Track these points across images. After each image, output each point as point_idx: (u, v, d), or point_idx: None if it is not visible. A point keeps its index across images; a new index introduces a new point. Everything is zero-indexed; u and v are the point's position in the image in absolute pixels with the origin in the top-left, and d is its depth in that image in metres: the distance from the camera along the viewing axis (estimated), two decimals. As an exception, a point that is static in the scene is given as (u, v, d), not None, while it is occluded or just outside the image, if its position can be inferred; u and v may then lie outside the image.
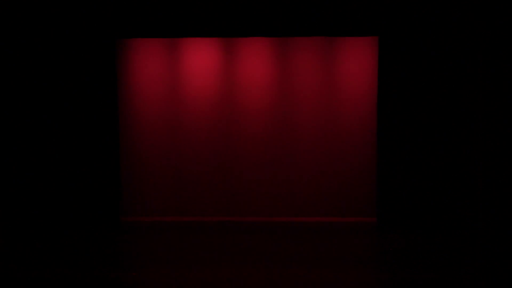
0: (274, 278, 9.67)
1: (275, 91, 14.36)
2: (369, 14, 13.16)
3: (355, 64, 14.14)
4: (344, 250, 11.72)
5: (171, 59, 14.48)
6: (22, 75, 13.72)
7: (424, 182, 13.48)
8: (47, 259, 10.98)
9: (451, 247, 11.67)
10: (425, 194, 13.48)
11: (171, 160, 14.59)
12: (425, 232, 12.98)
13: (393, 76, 13.47)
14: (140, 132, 14.61)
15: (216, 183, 14.49)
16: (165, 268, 10.37)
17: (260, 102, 14.40)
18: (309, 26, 13.45)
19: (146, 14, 13.37)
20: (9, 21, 13.13)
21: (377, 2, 12.86)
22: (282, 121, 14.39)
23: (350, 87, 14.19)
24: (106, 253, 11.55)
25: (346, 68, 14.19)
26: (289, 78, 14.29)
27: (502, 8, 9.03)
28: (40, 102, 13.89)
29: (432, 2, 12.63)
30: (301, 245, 12.15)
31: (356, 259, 10.97)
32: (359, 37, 13.91)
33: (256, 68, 14.35)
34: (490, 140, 9.18)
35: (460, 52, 13.05)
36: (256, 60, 14.33)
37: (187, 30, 13.63)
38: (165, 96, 14.53)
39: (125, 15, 13.44)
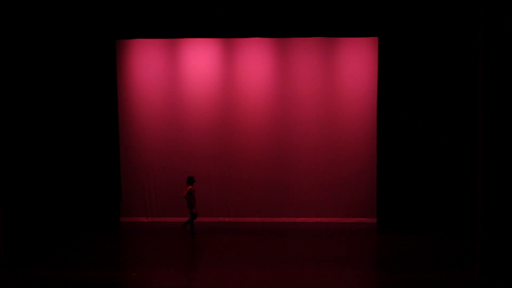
0: (275, 277, 9.65)
1: (276, 92, 14.33)
2: (369, 14, 13.17)
3: (355, 65, 14.13)
4: (345, 250, 11.70)
5: (171, 59, 14.46)
6: (22, 75, 13.72)
7: (423, 184, 13.47)
8: (48, 259, 10.96)
9: (450, 248, 11.67)
10: (425, 196, 13.47)
11: (170, 161, 14.56)
12: (424, 233, 12.97)
13: (393, 76, 13.47)
14: (139, 133, 14.58)
15: (216, 184, 14.46)
16: (165, 268, 10.35)
17: (260, 102, 14.36)
18: (309, 26, 13.46)
19: (146, 14, 13.37)
20: (9, 22, 13.14)
21: (377, 3, 12.86)
22: (283, 122, 14.36)
23: (350, 87, 14.16)
24: (106, 253, 11.53)
25: (346, 68, 14.17)
26: (289, 79, 14.27)
27: (501, 9, 9.03)
28: (40, 103, 13.90)
29: (432, 3, 12.64)
30: (302, 245, 12.12)
31: (356, 259, 10.95)
32: (359, 37, 13.91)
33: (256, 69, 14.32)
34: (490, 141, 9.16)
35: (460, 52, 13.06)
36: (256, 60, 14.30)
37: (187, 30, 13.65)
38: (165, 97, 14.50)
39: (125, 16, 13.45)
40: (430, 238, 12.49)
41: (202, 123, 14.48)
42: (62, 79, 13.96)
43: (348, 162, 14.25)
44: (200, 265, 10.89)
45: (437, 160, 13.39)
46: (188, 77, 14.44)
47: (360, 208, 14.26)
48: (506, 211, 9.06)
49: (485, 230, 9.17)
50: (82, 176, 14.07)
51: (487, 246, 9.18)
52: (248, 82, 14.36)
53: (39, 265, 10.44)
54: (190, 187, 13.01)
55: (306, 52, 14.20)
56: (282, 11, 13.16)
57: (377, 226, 13.78)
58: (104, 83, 14.02)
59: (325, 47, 14.17)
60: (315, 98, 14.26)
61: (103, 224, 14.01)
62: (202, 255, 11.85)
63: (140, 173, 14.62)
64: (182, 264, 10.76)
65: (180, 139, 14.54)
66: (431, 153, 13.43)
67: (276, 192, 14.43)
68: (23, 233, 13.13)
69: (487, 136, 9.18)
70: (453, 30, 13.08)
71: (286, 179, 14.40)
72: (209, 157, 14.46)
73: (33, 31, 13.56)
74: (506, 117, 9.07)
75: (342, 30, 13.48)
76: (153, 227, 14.07)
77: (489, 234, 9.15)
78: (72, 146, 14.04)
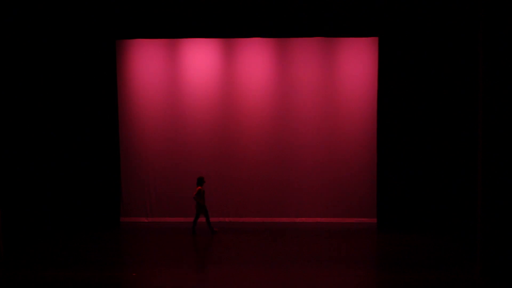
0: (275, 277, 9.65)
1: (276, 92, 14.32)
2: (369, 15, 13.17)
3: (355, 65, 14.12)
4: (345, 250, 11.70)
5: (171, 59, 14.46)
6: (22, 75, 13.71)
7: (424, 184, 13.47)
8: (48, 259, 10.96)
9: (450, 248, 11.67)
10: (425, 195, 13.47)
11: (170, 161, 14.55)
12: (424, 233, 12.97)
13: (393, 76, 13.47)
14: (139, 134, 14.58)
15: (216, 184, 14.43)
16: (165, 268, 10.35)
17: (260, 102, 14.36)
18: (309, 26, 13.46)
19: (146, 14, 13.37)
20: (9, 22, 13.14)
21: (377, 3, 12.87)
22: (283, 122, 14.34)
23: (350, 87, 14.15)
24: (106, 253, 11.53)
25: (346, 68, 14.16)
26: (289, 79, 14.26)
27: (501, 9, 9.05)
28: (40, 103, 13.89)
29: (432, 3, 12.64)
30: (302, 245, 12.13)
31: (356, 259, 10.95)
32: (359, 37, 13.91)
33: (256, 69, 14.31)
34: (490, 141, 9.16)
35: (460, 52, 13.06)
36: (256, 60, 14.30)
37: (187, 30, 13.65)
38: (165, 97, 14.50)
39: (125, 16, 13.45)
40: (430, 238, 12.49)
41: (202, 123, 14.48)
42: (62, 79, 13.96)
43: (348, 162, 14.24)
44: (200, 265, 10.89)
45: (437, 160, 13.39)
46: (188, 77, 14.44)
47: (360, 208, 14.24)
48: (506, 211, 9.06)
49: (485, 230, 9.17)
50: (82, 176, 14.07)
51: (487, 246, 9.18)
52: (248, 82, 14.35)
53: (39, 265, 10.44)
54: (199, 187, 13.01)
55: (306, 52, 14.20)
56: (282, 11, 13.16)
57: (377, 226, 13.78)
58: (104, 83, 14.03)
59: (325, 47, 14.17)
60: (315, 98, 14.25)
61: (103, 224, 14.01)
62: (202, 255, 11.84)
63: (140, 173, 14.62)
64: (182, 264, 10.75)
65: (180, 139, 14.54)
66: (431, 153, 13.43)
67: (276, 192, 14.43)
68: (23, 233, 13.12)
69: (487, 136, 9.17)
70: (453, 30, 13.08)
71: (286, 179, 14.40)
72: (209, 157, 14.46)
73: (33, 31, 13.55)
74: (506, 117, 9.07)
75: (342, 30, 13.48)
76: (153, 227, 14.07)
77: (489, 234, 9.15)
78: (72, 146, 14.04)
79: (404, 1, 12.69)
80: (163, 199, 14.62)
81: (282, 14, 13.23)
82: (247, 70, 14.33)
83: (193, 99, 14.45)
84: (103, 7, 13.14)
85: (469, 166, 12.17)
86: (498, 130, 9.10)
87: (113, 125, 14.21)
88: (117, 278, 9.81)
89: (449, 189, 13.28)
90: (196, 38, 14.08)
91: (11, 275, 9.84)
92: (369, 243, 12.77)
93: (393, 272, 9.92)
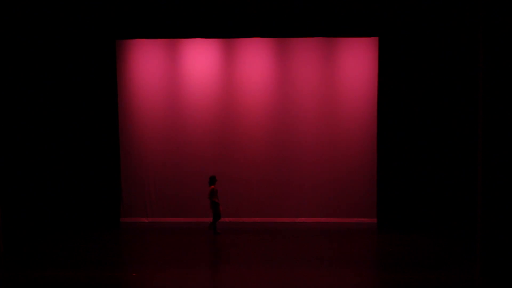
0: (275, 277, 9.65)
1: (276, 92, 14.33)
2: (369, 15, 13.17)
3: (355, 65, 14.13)
4: (345, 250, 11.70)
5: (171, 60, 14.47)
6: (22, 75, 13.72)
7: (424, 184, 13.47)
8: (48, 259, 10.96)
9: (450, 248, 11.66)
10: (425, 196, 13.46)
11: (170, 161, 14.56)
12: (424, 233, 12.97)
13: (393, 76, 13.48)
14: (139, 134, 14.58)
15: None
16: (164, 268, 10.36)
17: (260, 103, 14.37)
18: (310, 26, 13.45)
19: (146, 14, 13.37)
20: (9, 22, 13.14)
21: (377, 3, 12.87)
22: (283, 122, 14.36)
23: (351, 87, 14.17)
24: (106, 253, 11.53)
25: (346, 68, 14.17)
26: (289, 79, 14.27)
27: (501, 9, 9.05)
28: (40, 103, 13.90)
29: (431, 3, 12.64)
30: (302, 245, 12.13)
31: (356, 259, 10.95)
32: (359, 37, 13.91)
33: (256, 69, 14.32)
34: (490, 141, 9.15)
35: (460, 52, 13.06)
36: (256, 61, 14.30)
37: (187, 30, 13.64)
38: (165, 97, 14.51)
39: (125, 16, 13.45)
40: (430, 238, 12.49)
41: (202, 123, 14.49)
42: (62, 79, 13.96)
43: (348, 162, 14.25)
44: (200, 265, 10.88)
45: (437, 160, 13.39)
46: (188, 77, 14.45)
47: (360, 208, 14.25)
48: (506, 211, 9.06)
49: (485, 230, 9.16)
50: (82, 176, 14.06)
51: (487, 246, 9.18)
52: (248, 82, 14.36)
53: (39, 265, 10.43)
54: (212, 187, 13.00)
55: (306, 52, 14.21)
56: (282, 11, 13.16)
57: (377, 226, 13.78)
58: (104, 83, 14.02)
59: (325, 47, 14.17)
60: (316, 98, 14.26)
61: (103, 224, 14.00)
62: (202, 255, 11.84)
63: (140, 173, 14.62)
64: (182, 264, 10.75)
65: (180, 139, 14.54)
66: (431, 153, 13.42)
67: (276, 192, 14.43)
68: (23, 233, 13.12)
69: (487, 136, 9.17)
70: (453, 30, 13.08)
71: (286, 179, 14.40)
72: (209, 157, 14.46)
73: (33, 31, 13.56)
74: (506, 117, 9.07)
75: (342, 30, 13.48)
76: (153, 227, 14.07)
77: (489, 234, 9.14)
78: (72, 146, 14.04)
79: (404, 1, 12.68)
80: (163, 199, 14.63)
81: (282, 14, 13.22)
82: (247, 70, 14.34)
83: (193, 99, 14.45)
84: (103, 7, 13.13)
85: (469, 166, 12.17)
86: (498, 130, 9.09)
87: (113, 125, 14.20)
88: (117, 278, 9.80)
89: (449, 189, 13.28)
90: (196, 38, 14.08)
91: (11, 275, 9.84)
92: (369, 243, 12.77)
93: (393, 272, 9.92)
